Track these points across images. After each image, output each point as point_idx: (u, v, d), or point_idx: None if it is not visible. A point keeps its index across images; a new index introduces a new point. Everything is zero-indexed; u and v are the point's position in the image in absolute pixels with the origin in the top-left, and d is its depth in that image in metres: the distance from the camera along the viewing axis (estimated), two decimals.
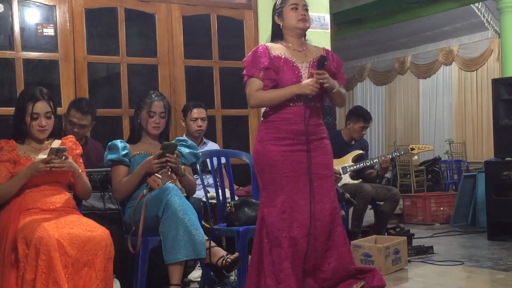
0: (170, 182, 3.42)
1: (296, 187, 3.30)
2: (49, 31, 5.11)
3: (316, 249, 3.29)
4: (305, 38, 3.48)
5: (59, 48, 5.11)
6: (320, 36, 5.96)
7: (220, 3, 5.91)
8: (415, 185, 11.15)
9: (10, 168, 3.15)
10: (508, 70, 9.80)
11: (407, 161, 11.48)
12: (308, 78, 3.33)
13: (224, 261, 3.29)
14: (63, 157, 3.10)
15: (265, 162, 3.34)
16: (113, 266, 3.06)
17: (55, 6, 5.11)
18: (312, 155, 3.34)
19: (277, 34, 3.47)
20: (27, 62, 5.04)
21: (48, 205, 3.13)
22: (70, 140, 3.38)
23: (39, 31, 5.09)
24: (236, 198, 4.09)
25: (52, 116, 3.26)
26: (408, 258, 4.90)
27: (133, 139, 3.74)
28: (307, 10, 3.42)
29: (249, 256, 4.25)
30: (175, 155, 3.52)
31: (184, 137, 4.45)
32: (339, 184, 5.12)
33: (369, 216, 5.73)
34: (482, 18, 12.28)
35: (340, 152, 5.32)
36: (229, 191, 4.15)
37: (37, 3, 5.08)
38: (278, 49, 3.38)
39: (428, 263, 5.00)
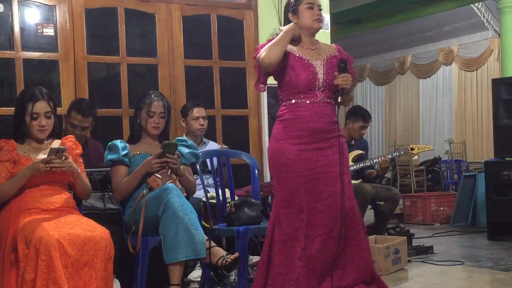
0: (170, 182, 3.42)
1: (315, 187, 3.26)
2: (49, 31, 5.11)
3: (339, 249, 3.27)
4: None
5: (59, 48, 5.11)
6: (320, 36, 5.90)
7: (220, 3, 5.92)
8: (415, 185, 11.15)
9: (10, 168, 3.15)
10: (508, 70, 9.80)
11: (407, 161, 11.48)
12: (325, 78, 3.31)
13: (224, 261, 3.29)
14: (63, 157, 3.10)
15: (280, 161, 3.31)
16: (113, 266, 3.06)
17: (55, 6, 5.11)
18: (328, 153, 3.31)
19: None
20: (27, 62, 5.04)
21: (48, 205, 3.13)
22: (70, 140, 3.38)
23: (39, 31, 5.09)
24: (236, 198, 4.09)
25: (52, 116, 3.26)
26: (408, 258, 4.90)
27: (133, 139, 3.74)
28: (321, 9, 3.41)
29: (249, 256, 4.27)
30: (175, 155, 3.51)
31: (184, 137, 4.45)
32: None
33: (369, 216, 5.73)
34: (482, 18, 12.28)
35: None
36: (229, 191, 4.14)
37: (37, 3, 5.08)
38: (292, 47, 3.36)
39: (428, 263, 5.00)
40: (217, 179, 4.15)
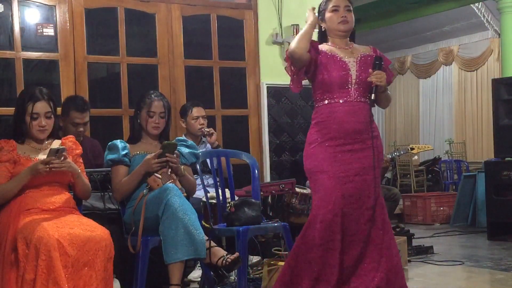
0: (170, 182, 3.41)
1: (347, 190, 3.20)
2: (49, 31, 5.11)
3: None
4: (350, 39, 3.42)
5: (59, 48, 5.11)
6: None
7: (220, 3, 5.92)
8: (415, 185, 11.15)
9: (10, 168, 3.15)
10: (508, 70, 9.80)
11: (407, 161, 11.48)
12: (358, 75, 3.27)
13: (224, 261, 3.28)
14: (63, 158, 3.10)
15: (314, 164, 3.25)
16: (113, 266, 3.06)
17: (55, 6, 5.12)
18: (362, 155, 3.25)
19: (322, 38, 3.43)
20: (27, 62, 5.04)
21: (48, 205, 3.13)
22: (70, 140, 3.38)
23: (39, 31, 5.09)
24: (236, 198, 4.09)
25: (52, 116, 3.25)
26: (408, 258, 4.90)
27: (133, 139, 3.74)
28: (349, 10, 3.37)
29: (249, 256, 4.27)
30: (175, 155, 3.51)
31: (184, 137, 4.45)
32: None
33: None
34: (482, 18, 12.28)
35: None
36: (229, 191, 4.14)
37: (37, 3, 5.08)
38: (324, 47, 3.34)
39: (428, 263, 5.00)
40: (217, 179, 4.15)
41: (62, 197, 3.20)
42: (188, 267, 4.13)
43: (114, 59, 5.46)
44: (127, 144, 3.66)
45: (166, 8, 5.58)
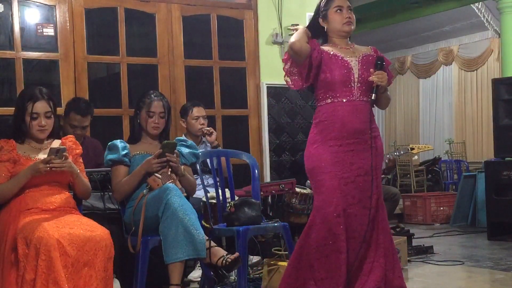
0: (170, 182, 3.41)
1: (348, 190, 3.19)
2: (49, 31, 5.11)
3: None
4: (350, 39, 3.42)
5: (59, 48, 5.12)
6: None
7: (220, 3, 5.92)
8: (415, 185, 11.15)
9: (10, 168, 3.15)
10: (508, 70, 9.79)
11: (407, 161, 11.47)
12: (361, 73, 3.25)
13: (224, 261, 3.28)
14: (63, 157, 3.10)
15: (315, 165, 3.24)
16: (113, 266, 3.06)
17: (55, 6, 5.12)
18: (363, 155, 3.24)
19: (320, 37, 3.39)
20: (27, 62, 5.05)
21: (48, 205, 3.13)
22: (70, 140, 3.38)
23: (39, 31, 5.09)
24: (236, 198, 4.09)
25: (52, 116, 3.25)
26: (408, 258, 4.90)
27: (133, 139, 3.74)
28: (351, 11, 3.36)
29: (249, 256, 4.27)
30: (174, 155, 3.51)
31: (184, 137, 4.45)
32: None
33: None
34: (482, 18, 12.27)
35: None
36: (229, 191, 4.14)
37: (37, 3, 5.08)
38: (325, 47, 3.32)
39: (428, 263, 5.00)
40: (217, 179, 4.15)
41: (62, 197, 3.20)
42: (188, 267, 4.13)
43: (114, 59, 5.47)
44: (127, 144, 3.66)
45: (166, 8, 5.58)
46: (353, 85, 3.25)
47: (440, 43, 14.66)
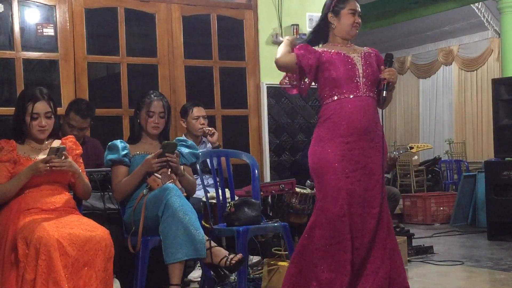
0: (170, 182, 3.41)
1: (355, 189, 3.18)
2: (49, 31, 5.11)
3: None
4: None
5: (59, 48, 5.11)
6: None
7: (220, 3, 5.92)
8: (415, 185, 11.15)
9: (10, 168, 3.15)
10: (508, 70, 9.79)
11: (407, 161, 11.48)
12: (365, 69, 3.24)
13: (228, 262, 3.28)
14: (63, 157, 3.10)
15: (322, 164, 3.21)
16: (113, 266, 3.06)
17: (55, 6, 5.12)
18: (370, 154, 3.21)
19: (322, 32, 3.38)
20: (27, 62, 5.04)
21: (48, 205, 3.13)
22: (70, 140, 3.38)
23: (39, 31, 5.09)
24: (236, 198, 4.09)
25: (52, 116, 3.25)
26: (408, 258, 4.90)
27: (133, 139, 3.74)
28: (360, 16, 3.36)
29: (249, 256, 4.27)
30: (174, 155, 3.51)
31: (184, 137, 4.45)
32: None
33: None
34: (482, 18, 12.27)
35: None
36: (229, 191, 4.14)
37: (37, 3, 5.08)
38: (326, 46, 3.32)
39: (428, 263, 5.01)
40: (217, 179, 4.15)
41: (62, 197, 3.20)
42: (188, 267, 4.13)
43: (114, 59, 5.47)
44: (127, 144, 3.66)
45: (166, 8, 5.58)
46: (358, 80, 3.22)
47: (440, 43, 14.66)
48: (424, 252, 5.37)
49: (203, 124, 4.89)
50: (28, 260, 2.84)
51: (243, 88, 5.96)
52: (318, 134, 3.27)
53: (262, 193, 4.42)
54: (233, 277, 4.01)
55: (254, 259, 4.53)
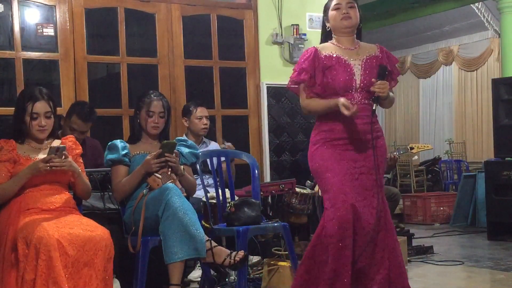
0: (170, 182, 3.41)
1: (354, 187, 3.20)
2: (49, 31, 5.11)
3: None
4: (357, 36, 3.40)
5: (59, 48, 5.12)
6: (320, 36, 5.96)
7: (220, 3, 5.92)
8: (415, 185, 11.15)
9: (10, 168, 3.15)
10: (508, 70, 9.79)
11: (407, 161, 11.48)
12: (363, 79, 3.24)
13: (232, 260, 3.27)
14: (63, 156, 3.10)
15: (319, 163, 3.25)
16: (113, 266, 3.06)
17: (55, 6, 5.12)
18: (365, 154, 3.25)
19: (327, 37, 3.41)
20: (27, 62, 5.05)
21: (48, 205, 3.13)
22: (70, 140, 3.38)
23: (39, 31, 5.10)
24: (236, 198, 4.09)
25: (52, 116, 3.25)
26: (408, 258, 4.90)
27: (133, 139, 3.74)
28: (352, 7, 3.33)
29: (249, 256, 4.26)
30: (174, 154, 3.51)
31: (184, 137, 4.45)
32: None
33: None
34: (482, 18, 12.27)
35: None
36: (229, 191, 4.14)
37: (37, 3, 5.08)
38: (329, 48, 3.32)
39: (428, 263, 5.00)
40: (217, 179, 4.15)
41: (62, 197, 3.20)
42: (188, 267, 4.13)
43: (114, 59, 5.47)
44: (127, 144, 3.66)
45: (166, 8, 5.58)
46: (354, 90, 3.26)
47: (440, 43, 14.66)
48: (424, 252, 5.37)
49: (206, 124, 4.90)
50: (28, 260, 2.84)
51: (243, 88, 5.96)
52: (315, 136, 3.33)
53: (262, 193, 4.42)
54: (233, 277, 4.01)
55: (254, 259, 4.53)
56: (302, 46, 6.01)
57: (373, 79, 3.24)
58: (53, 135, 3.31)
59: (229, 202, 3.89)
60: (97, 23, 5.40)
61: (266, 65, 6.02)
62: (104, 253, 2.96)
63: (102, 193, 3.85)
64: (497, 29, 12.12)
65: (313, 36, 6.08)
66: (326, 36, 3.43)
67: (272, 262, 4.05)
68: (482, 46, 13.76)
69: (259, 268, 4.37)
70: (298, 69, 3.29)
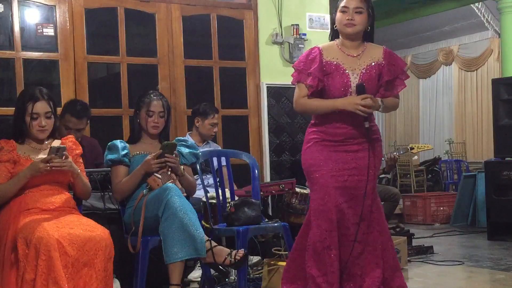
0: (170, 182, 3.41)
1: (343, 189, 3.21)
2: (49, 31, 5.11)
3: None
4: (366, 39, 3.39)
5: (59, 48, 5.11)
6: (320, 36, 5.97)
7: (220, 3, 5.92)
8: (415, 185, 11.15)
9: (10, 168, 3.15)
10: (508, 70, 9.80)
11: (407, 161, 11.48)
12: (356, 90, 3.22)
13: (232, 259, 3.27)
14: (63, 157, 3.10)
15: (309, 162, 3.29)
16: (113, 266, 3.06)
17: (55, 6, 5.12)
18: (358, 156, 3.25)
19: (334, 35, 3.38)
20: (27, 62, 5.04)
21: (48, 205, 3.13)
22: (70, 140, 3.38)
23: (39, 31, 5.09)
24: (236, 198, 4.09)
25: (52, 116, 3.25)
26: (408, 258, 4.90)
27: (133, 139, 3.74)
28: (359, 12, 3.30)
29: (249, 256, 4.26)
30: (174, 155, 3.51)
31: (185, 137, 4.45)
32: None
33: None
34: (482, 18, 12.28)
35: None
36: (229, 191, 4.14)
37: (37, 3, 5.08)
38: (332, 52, 3.28)
39: (428, 263, 5.01)
40: (217, 179, 4.15)
41: (62, 197, 3.20)
42: (188, 267, 4.13)
43: (114, 59, 5.46)
44: (127, 144, 3.66)
45: (166, 8, 5.58)
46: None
47: (440, 43, 14.66)
48: (424, 252, 5.37)
49: (215, 132, 5.00)
50: (28, 260, 2.84)
51: (243, 88, 5.96)
52: (308, 135, 3.37)
53: (262, 193, 4.42)
54: (233, 277, 4.01)
55: (254, 259, 4.53)
56: (302, 46, 6.01)
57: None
58: (53, 135, 3.31)
59: (229, 202, 3.89)
60: (97, 23, 5.39)
61: (266, 65, 6.02)
62: (104, 253, 2.96)
63: (102, 193, 3.85)
64: (497, 29, 12.13)
65: (313, 36, 6.08)
66: (334, 33, 3.39)
67: (272, 262, 4.06)
68: (482, 46, 13.77)
69: (259, 268, 4.38)
70: (305, 72, 3.24)
